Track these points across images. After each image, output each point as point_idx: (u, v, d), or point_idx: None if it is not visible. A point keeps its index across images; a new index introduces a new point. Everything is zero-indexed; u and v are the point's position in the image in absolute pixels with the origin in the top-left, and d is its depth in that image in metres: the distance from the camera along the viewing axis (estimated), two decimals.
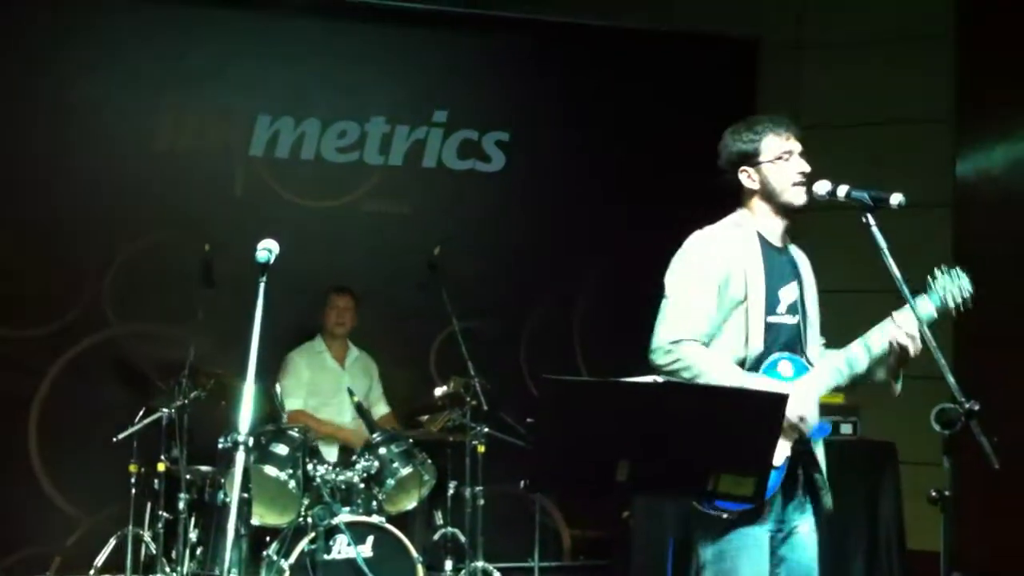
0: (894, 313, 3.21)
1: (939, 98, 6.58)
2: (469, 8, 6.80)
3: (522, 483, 3.02)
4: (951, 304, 3.29)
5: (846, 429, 5.55)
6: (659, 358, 3.21)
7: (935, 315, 3.27)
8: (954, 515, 6.18)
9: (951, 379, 3.02)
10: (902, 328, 3.19)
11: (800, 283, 3.38)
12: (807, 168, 3.30)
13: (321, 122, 6.59)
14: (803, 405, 3.19)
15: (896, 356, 3.22)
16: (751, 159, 3.32)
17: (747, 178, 3.34)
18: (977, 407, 2.98)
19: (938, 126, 6.55)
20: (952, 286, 3.30)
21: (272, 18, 6.49)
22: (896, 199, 3.16)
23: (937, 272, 3.32)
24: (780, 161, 3.29)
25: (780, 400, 2.96)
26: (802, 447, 3.26)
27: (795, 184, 3.29)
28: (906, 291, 3.12)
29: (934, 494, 3.08)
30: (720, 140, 3.40)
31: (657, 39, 6.87)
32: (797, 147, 3.32)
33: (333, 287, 6.03)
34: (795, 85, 6.76)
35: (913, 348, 3.19)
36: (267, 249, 3.43)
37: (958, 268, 3.33)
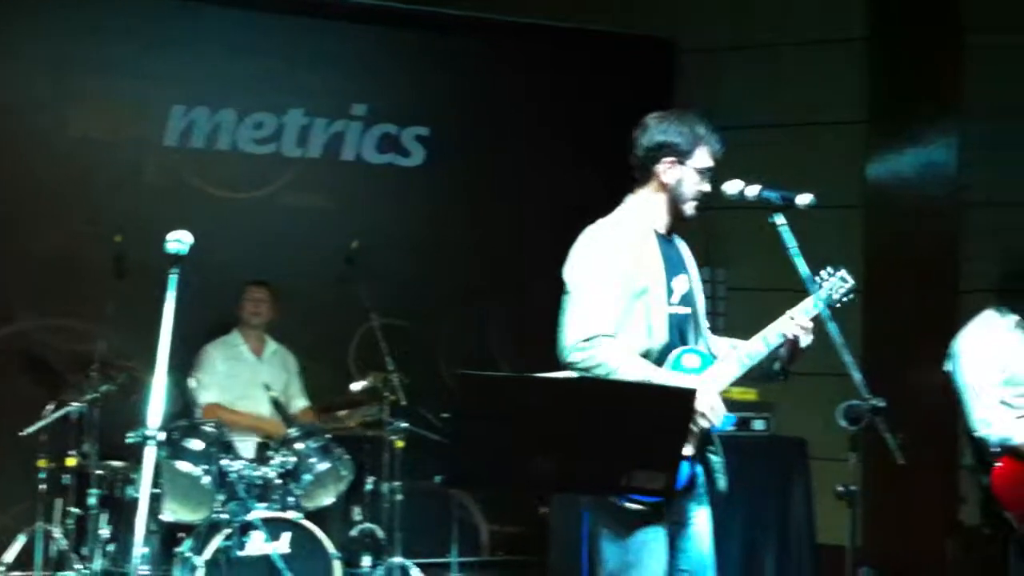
0: (789, 310, 3.29)
1: (852, 101, 6.71)
2: (389, 2, 6.76)
3: (438, 478, 3.02)
4: (836, 299, 3.37)
5: (759, 425, 5.65)
6: (572, 356, 3.21)
7: (819, 311, 3.32)
8: (864, 510, 6.36)
9: (857, 376, 3.11)
10: (795, 320, 3.26)
11: (689, 274, 3.44)
12: (730, 191, 3.36)
13: (237, 113, 6.49)
14: (712, 396, 3.24)
15: (788, 347, 3.29)
16: (681, 156, 3.33)
17: (667, 170, 3.34)
18: (883, 404, 3.06)
19: (850, 129, 6.69)
20: (835, 282, 3.38)
21: (187, 7, 6.37)
22: (804, 199, 3.24)
23: (823, 272, 3.39)
24: (699, 174, 3.34)
25: (689, 395, 3.02)
26: (703, 436, 3.31)
27: (695, 200, 3.36)
28: (814, 289, 3.22)
29: (841, 489, 3.15)
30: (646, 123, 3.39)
31: (575, 38, 6.89)
32: (713, 169, 3.38)
33: (249, 280, 5.96)
34: (711, 86, 6.84)
35: (804, 340, 3.26)
36: (178, 240, 3.37)
37: (842, 269, 3.41)
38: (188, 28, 6.37)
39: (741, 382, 3.43)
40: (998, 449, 4.30)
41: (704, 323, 3.46)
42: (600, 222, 3.37)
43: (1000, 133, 6.33)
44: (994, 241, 5.88)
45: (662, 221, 3.38)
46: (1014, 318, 4.43)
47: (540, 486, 2.94)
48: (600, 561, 3.28)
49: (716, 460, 3.36)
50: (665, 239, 3.38)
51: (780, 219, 3.26)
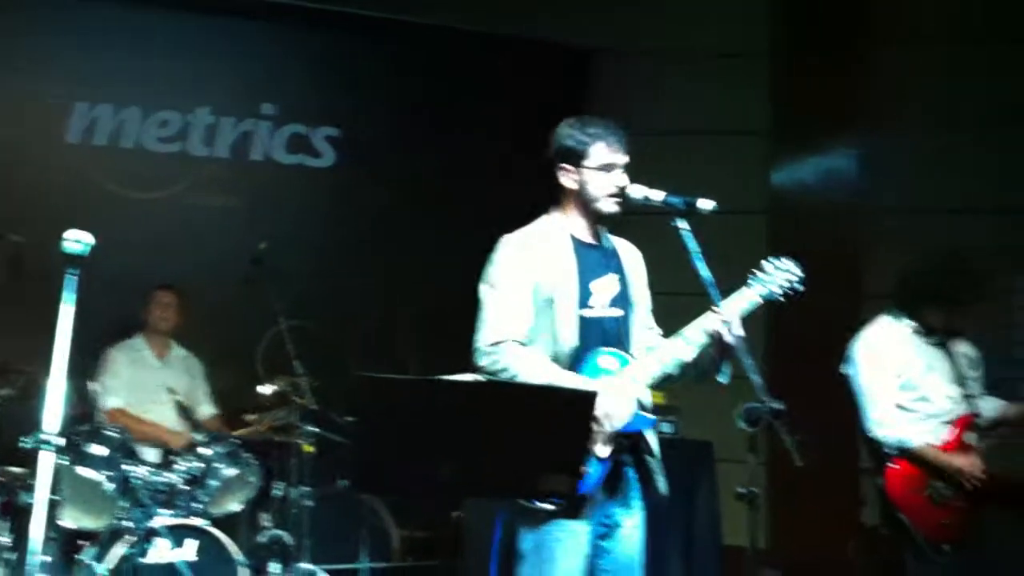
0: (714, 306, 3.33)
1: (758, 110, 6.84)
2: (300, 1, 6.68)
3: (343, 483, 3.01)
4: (777, 291, 3.42)
5: (666, 428, 5.70)
6: (480, 361, 3.28)
7: (759, 302, 3.39)
8: (769, 512, 6.49)
9: (757, 379, 3.16)
10: (717, 316, 3.29)
11: (623, 276, 3.45)
12: (625, 183, 3.37)
13: (142, 110, 6.37)
14: (614, 401, 3.26)
15: (715, 345, 3.33)
16: (576, 160, 3.38)
17: (566, 176, 3.40)
18: (781, 406, 3.11)
19: (756, 137, 6.82)
20: (781, 275, 3.42)
21: (91, 3, 6.23)
22: (706, 205, 3.29)
23: (765, 263, 3.44)
24: (602, 171, 3.37)
25: (589, 398, 3.05)
26: (628, 440, 3.34)
27: (609, 195, 3.38)
28: (715, 294, 3.26)
29: (742, 491, 3.20)
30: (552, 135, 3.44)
31: (490, 43, 6.90)
32: (622, 160, 3.40)
33: (156, 284, 5.84)
34: (622, 94, 6.91)
35: (728, 336, 3.29)
36: (77, 240, 3.29)
37: (789, 258, 3.47)
38: (91, 24, 6.23)
39: (677, 383, 3.49)
40: (894, 451, 4.41)
41: (642, 325, 3.48)
42: (516, 232, 3.42)
43: (900, 143, 6.52)
44: (894, 248, 6.05)
45: (581, 225, 3.42)
46: (910, 323, 4.55)
47: (444, 489, 2.92)
48: (516, 559, 3.32)
49: (653, 462, 3.40)
50: (585, 244, 3.41)
51: (683, 224, 3.30)
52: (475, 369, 3.30)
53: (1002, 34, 6.45)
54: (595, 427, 3.19)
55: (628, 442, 3.37)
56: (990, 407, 4.59)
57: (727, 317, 3.29)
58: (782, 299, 3.44)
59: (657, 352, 3.37)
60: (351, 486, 2.93)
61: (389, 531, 6.27)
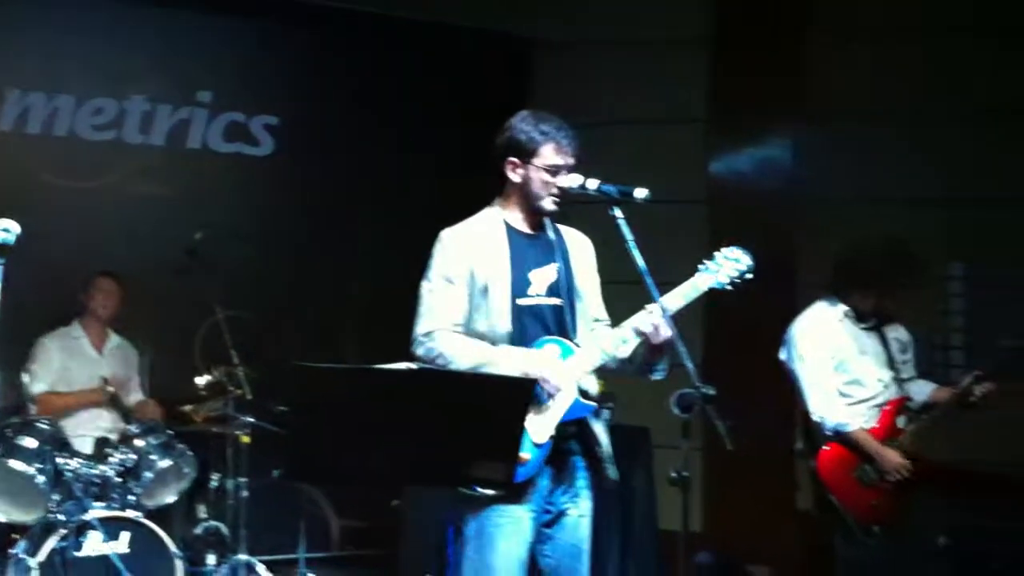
0: (648, 305, 3.35)
1: (696, 99, 6.89)
2: None
3: (276, 472, 3.00)
4: (724, 280, 3.45)
5: (604, 415, 5.74)
6: (417, 350, 3.35)
7: (703, 291, 3.43)
8: (705, 496, 6.56)
9: (690, 365, 3.18)
10: (648, 317, 3.32)
11: (567, 265, 3.47)
12: (571, 185, 3.38)
13: (76, 98, 6.27)
14: (555, 375, 3.29)
15: (645, 344, 3.36)
16: (525, 156, 3.39)
17: (511, 170, 3.42)
18: (712, 392, 3.13)
19: (695, 126, 6.87)
20: (729, 264, 3.46)
21: None
22: (641, 194, 3.31)
23: (716, 252, 3.46)
24: (547, 172, 3.38)
25: (525, 383, 3.09)
26: (572, 427, 3.38)
27: (551, 195, 3.40)
28: (650, 281, 3.27)
29: (674, 475, 3.23)
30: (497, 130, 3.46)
31: (431, 32, 6.87)
32: (570, 163, 3.41)
33: (97, 271, 5.75)
34: (564, 83, 6.92)
35: (655, 337, 3.32)
36: (5, 229, 3.25)
37: (737, 247, 3.50)
38: (24, 10, 6.10)
39: (615, 375, 3.52)
40: (830, 434, 4.48)
41: (586, 314, 3.50)
42: (456, 225, 3.45)
43: (836, 132, 6.60)
44: (829, 237, 6.13)
45: (520, 218, 3.44)
46: (843, 308, 4.62)
47: (379, 478, 2.91)
48: (460, 544, 3.36)
49: (601, 451, 3.43)
50: (523, 234, 3.43)
51: (619, 212, 3.31)
52: (413, 359, 3.33)
53: (937, 27, 6.54)
54: (539, 409, 3.23)
55: (573, 429, 3.38)
56: (921, 391, 4.67)
57: (656, 319, 3.30)
58: (729, 288, 3.45)
59: (599, 342, 3.39)
60: (284, 476, 2.93)
61: (329, 521, 6.26)
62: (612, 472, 3.45)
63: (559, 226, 3.55)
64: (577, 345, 3.42)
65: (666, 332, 3.31)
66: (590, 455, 3.45)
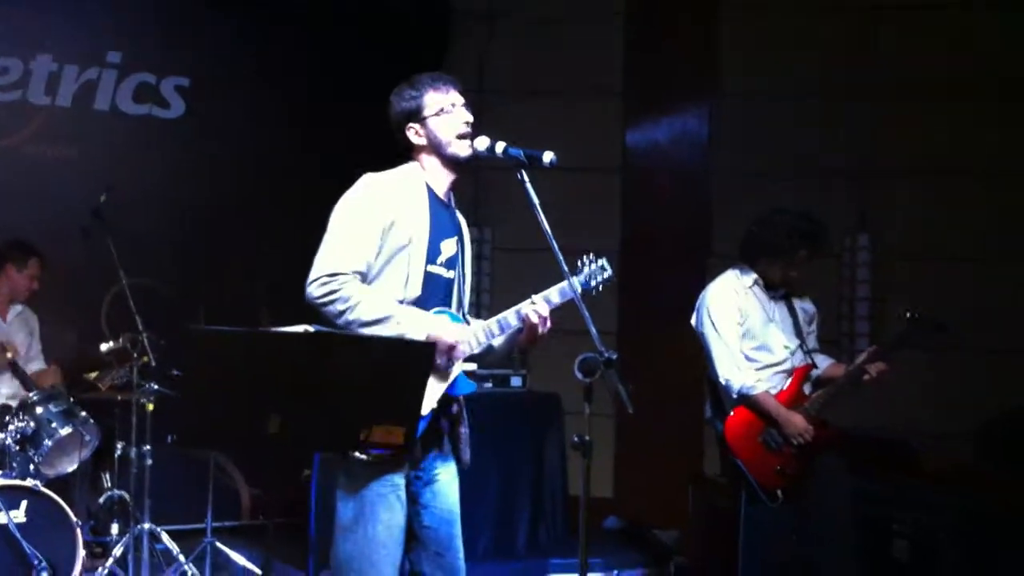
0: (534, 295, 3.33)
1: (613, 71, 6.91)
2: None
3: (170, 438, 2.93)
4: (593, 284, 3.43)
5: (516, 382, 5.76)
6: (313, 290, 3.21)
7: (578, 291, 3.38)
8: (615, 462, 6.60)
9: (593, 330, 3.17)
10: (534, 307, 3.30)
11: (461, 241, 3.47)
12: (470, 118, 3.37)
13: None
14: (456, 336, 3.27)
15: (526, 333, 3.34)
16: (415, 116, 3.38)
17: (414, 135, 3.40)
18: (615, 356, 3.13)
19: (612, 97, 6.90)
20: (595, 271, 3.44)
21: None
22: (548, 157, 3.29)
23: (584, 258, 3.46)
24: (444, 114, 3.37)
25: (427, 348, 3.05)
26: (450, 402, 3.35)
27: (460, 136, 3.36)
28: (554, 244, 3.22)
29: (576, 440, 3.22)
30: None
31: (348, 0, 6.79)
32: (459, 99, 3.40)
33: (23, 248, 5.58)
34: (483, 52, 6.90)
35: (542, 327, 3.30)
36: None
37: (602, 258, 3.47)
38: None
39: (482, 364, 3.49)
40: (736, 398, 4.54)
41: (466, 293, 3.49)
42: (377, 173, 3.37)
43: (750, 105, 6.67)
44: (741, 206, 6.19)
45: (439, 181, 3.41)
46: (753, 276, 4.68)
47: (274, 443, 2.86)
48: (334, 515, 3.30)
49: (463, 432, 3.42)
50: (440, 201, 3.40)
51: (525, 176, 3.30)
52: (310, 306, 3.23)
53: (848, 3, 6.64)
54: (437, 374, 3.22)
55: (447, 403, 3.36)
56: (822, 363, 4.75)
57: (541, 308, 3.30)
58: (593, 294, 3.46)
59: (487, 322, 3.38)
60: (177, 442, 2.87)
61: (238, 490, 6.18)
62: (466, 454, 3.44)
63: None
64: (467, 321, 3.40)
65: (546, 326, 3.32)
66: (452, 432, 3.43)
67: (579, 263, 3.43)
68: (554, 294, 3.34)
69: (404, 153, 3.46)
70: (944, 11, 6.47)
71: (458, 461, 3.44)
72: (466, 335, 3.32)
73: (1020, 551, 4.76)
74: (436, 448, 3.38)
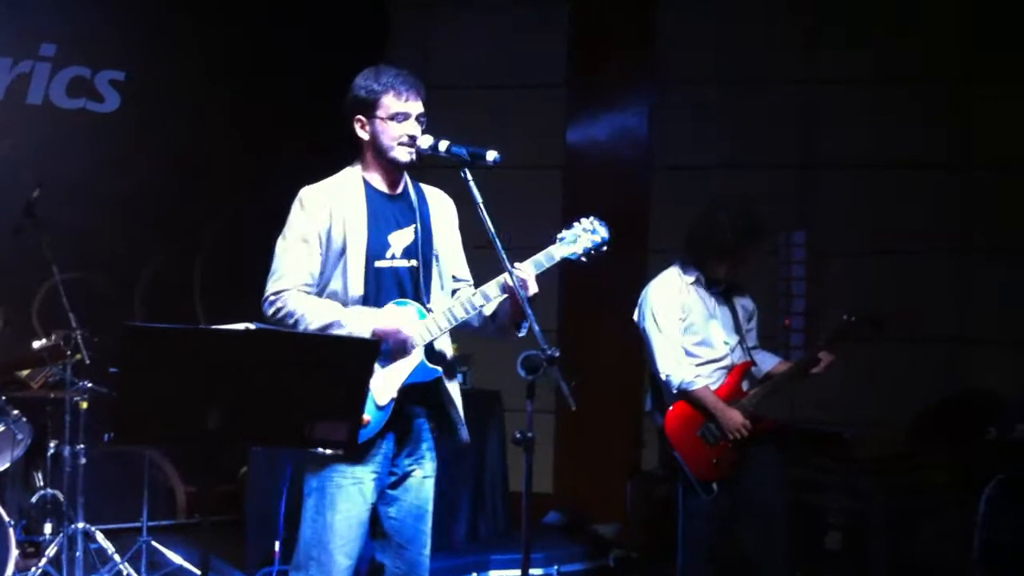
0: (517, 263, 3.33)
1: (554, 66, 6.93)
2: None
3: (107, 436, 2.90)
4: (580, 251, 3.45)
5: (458, 379, 5.74)
6: (265, 310, 3.33)
7: (557, 259, 3.43)
8: (555, 457, 6.63)
9: (536, 327, 3.20)
10: (514, 273, 3.29)
11: (425, 226, 3.44)
12: (416, 132, 3.35)
13: None
14: (401, 327, 3.28)
15: (511, 301, 3.34)
16: (367, 111, 3.37)
17: (360, 128, 3.40)
18: (557, 353, 3.15)
19: (552, 92, 6.91)
20: (586, 236, 3.46)
21: None
22: (491, 156, 3.30)
23: (576, 222, 3.47)
24: (392, 121, 3.34)
25: (370, 344, 3.06)
26: (418, 390, 3.35)
27: (401, 144, 3.35)
28: (498, 243, 3.24)
29: (518, 436, 3.25)
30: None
31: None
32: (415, 110, 3.37)
33: None
34: (423, 44, 6.88)
35: (524, 290, 3.29)
36: None
37: (595, 219, 3.49)
38: None
39: (476, 334, 3.50)
40: (676, 393, 4.58)
41: (441, 276, 3.46)
42: (314, 184, 3.40)
43: (690, 99, 6.73)
44: (680, 204, 6.25)
45: (378, 176, 3.40)
46: (696, 273, 4.73)
47: (214, 439, 2.84)
48: (301, 506, 3.34)
49: (454, 412, 3.43)
50: (382, 195, 3.39)
51: (468, 174, 3.29)
52: (263, 319, 3.33)
53: None
54: (386, 368, 3.24)
55: (418, 392, 3.36)
56: (762, 361, 4.82)
57: (524, 275, 3.30)
58: (584, 260, 3.47)
59: (451, 305, 3.37)
60: (114, 440, 2.86)
61: (174, 488, 6.11)
62: (464, 434, 3.46)
63: (421, 185, 3.52)
64: (429, 309, 3.39)
65: (533, 288, 3.32)
66: (442, 417, 3.43)
67: (564, 229, 3.43)
68: (524, 266, 3.33)
69: (348, 140, 3.43)
70: (889, 2, 6.55)
71: (449, 443, 3.46)
72: (412, 323, 3.30)
73: (945, 523, 4.89)
74: (407, 444, 3.39)
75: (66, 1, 6.29)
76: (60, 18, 6.29)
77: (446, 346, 3.48)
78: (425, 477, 3.44)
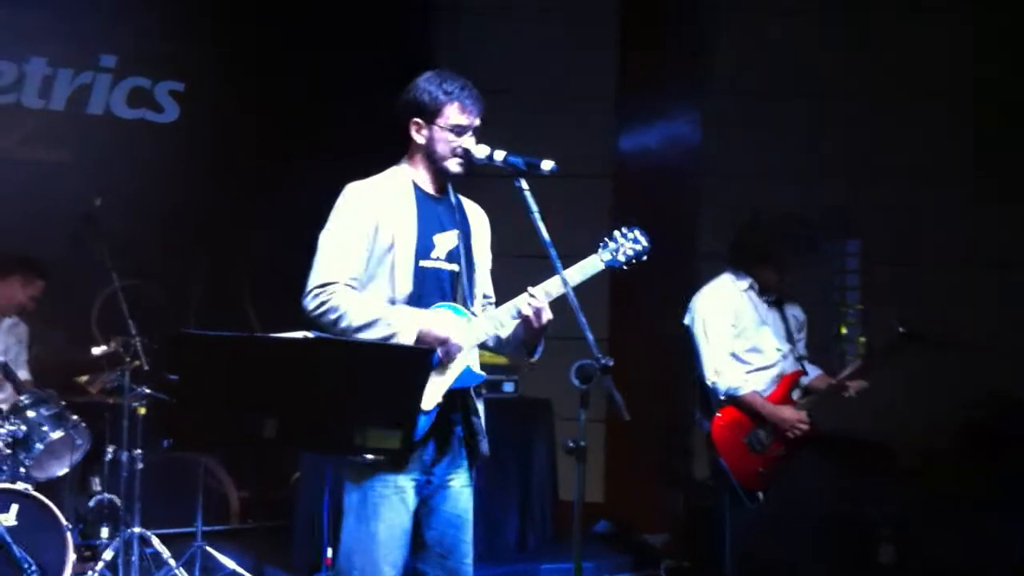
0: (530, 288, 3.32)
1: (605, 74, 6.92)
2: None
3: (165, 443, 2.95)
4: (621, 259, 3.46)
5: (508, 388, 5.79)
6: (307, 303, 3.26)
7: (602, 269, 3.43)
8: (604, 466, 6.62)
9: (590, 336, 3.18)
10: (531, 300, 3.29)
11: (465, 233, 3.45)
12: (471, 145, 3.35)
13: None
14: (450, 331, 3.27)
15: (524, 326, 3.34)
16: (426, 116, 3.35)
17: (416, 130, 3.38)
18: (611, 363, 3.13)
19: (603, 100, 6.90)
20: (628, 244, 3.47)
21: None
22: (548, 165, 3.29)
23: (616, 231, 3.48)
24: (451, 132, 3.35)
25: (425, 354, 3.06)
26: (458, 394, 3.34)
27: (455, 156, 3.36)
28: (553, 253, 3.23)
29: (570, 444, 3.23)
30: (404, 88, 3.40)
31: None
32: (475, 123, 3.38)
33: (34, 268, 5.59)
34: (469, 50, 6.90)
35: (536, 320, 3.29)
36: None
37: (637, 228, 3.50)
38: None
39: (496, 351, 3.51)
40: (723, 399, 4.56)
41: (478, 284, 3.47)
42: (361, 180, 3.39)
43: (739, 110, 6.70)
44: (731, 211, 6.22)
45: (427, 180, 3.40)
46: (747, 281, 4.71)
47: (270, 446, 2.88)
48: (342, 512, 3.32)
49: (476, 422, 3.40)
50: (429, 196, 3.40)
51: (524, 184, 3.30)
52: (306, 319, 3.26)
53: (835, 3, 6.67)
54: (437, 377, 3.22)
55: (456, 399, 3.35)
56: (811, 372, 4.79)
57: (538, 303, 3.30)
58: (625, 268, 3.47)
59: (493, 314, 3.38)
60: (173, 446, 2.89)
61: (227, 493, 6.18)
62: (484, 446, 3.42)
63: (459, 195, 3.53)
64: (473, 314, 3.40)
65: (547, 316, 3.30)
66: (467, 425, 3.42)
67: (605, 238, 3.45)
68: (569, 274, 3.32)
69: (401, 141, 3.42)
70: (942, 14, 6.48)
71: (474, 456, 3.41)
72: (461, 329, 3.31)
73: (992, 532, 4.82)
74: (448, 451, 3.37)
75: (126, 13, 6.38)
76: (120, 30, 6.39)
77: (474, 358, 3.44)
78: (463, 486, 3.42)
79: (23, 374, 5.67)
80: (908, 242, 6.55)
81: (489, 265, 3.57)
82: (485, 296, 3.54)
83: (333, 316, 3.22)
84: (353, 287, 3.28)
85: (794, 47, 6.67)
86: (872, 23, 6.61)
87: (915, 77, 6.52)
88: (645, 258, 3.51)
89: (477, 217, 3.54)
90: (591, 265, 3.42)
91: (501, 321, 3.34)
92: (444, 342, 3.26)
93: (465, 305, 3.40)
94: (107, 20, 6.35)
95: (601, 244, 3.47)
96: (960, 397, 6.02)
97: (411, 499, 3.31)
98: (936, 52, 6.49)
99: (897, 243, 6.59)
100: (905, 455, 5.50)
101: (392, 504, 3.26)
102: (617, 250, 3.46)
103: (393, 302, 3.29)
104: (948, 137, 6.47)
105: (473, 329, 3.35)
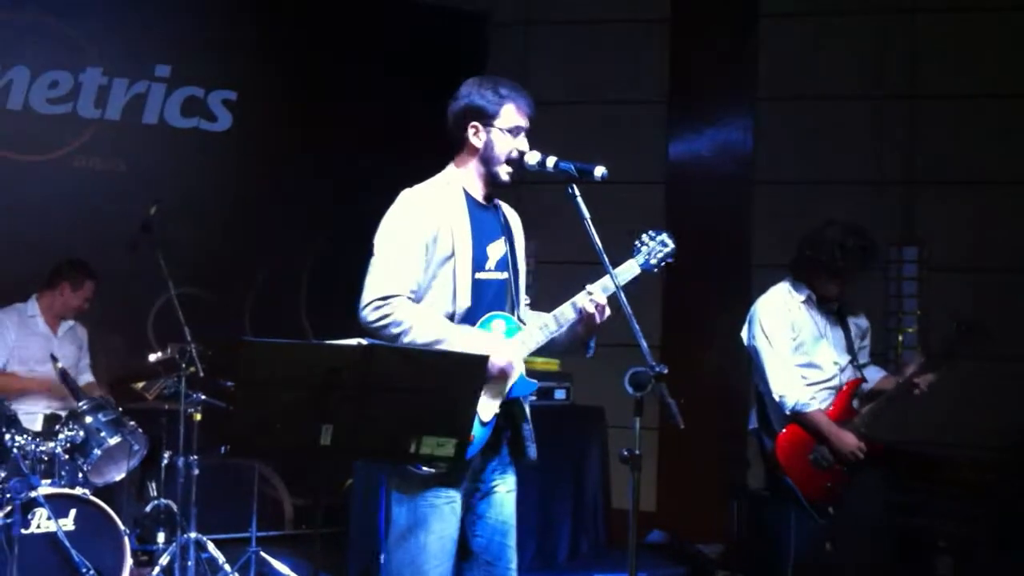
0: (588, 286, 3.32)
1: (655, 81, 6.89)
2: None
3: (223, 449, 2.96)
4: (653, 262, 3.45)
5: (559, 395, 5.77)
6: (367, 315, 3.21)
7: (638, 273, 3.42)
8: (658, 475, 6.57)
9: (643, 344, 3.15)
10: (591, 297, 3.29)
11: (509, 240, 3.44)
12: (525, 147, 3.35)
13: (30, 71, 6.17)
14: (507, 358, 3.25)
15: (584, 323, 3.33)
16: (485, 119, 3.34)
17: (473, 134, 3.36)
18: (665, 370, 3.10)
19: (654, 107, 6.88)
20: (655, 247, 3.45)
21: None
22: (599, 172, 3.27)
23: (643, 235, 3.47)
24: (509, 134, 3.34)
25: (480, 362, 3.04)
26: (508, 405, 3.32)
27: (509, 159, 3.35)
28: (605, 259, 3.23)
29: (625, 453, 3.20)
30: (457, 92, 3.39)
31: (388, 7, 6.82)
32: (526, 126, 3.38)
33: (82, 269, 5.65)
34: (522, 61, 6.91)
35: (599, 316, 3.29)
36: None
37: (663, 231, 3.48)
38: None
39: (547, 353, 3.49)
40: (788, 414, 4.50)
41: (522, 292, 3.47)
42: (413, 188, 3.37)
43: (791, 115, 6.64)
44: (783, 219, 6.16)
45: (477, 187, 3.39)
46: (807, 292, 4.65)
47: (325, 453, 2.88)
48: (390, 522, 3.30)
49: (526, 428, 3.38)
50: (481, 205, 3.38)
51: (575, 191, 3.29)
52: (361, 328, 3.23)
53: (889, 6, 6.59)
54: (486, 387, 3.18)
55: (506, 406, 3.33)
56: (872, 377, 4.71)
57: (597, 298, 3.29)
58: (655, 271, 3.45)
59: (542, 320, 3.37)
60: (230, 452, 2.91)
61: (281, 500, 6.22)
62: (532, 451, 3.40)
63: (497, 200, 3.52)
64: (522, 321, 3.39)
65: (608, 312, 3.30)
66: (514, 433, 3.40)
67: (636, 243, 3.44)
68: (609, 281, 3.29)
69: (453, 145, 3.41)
70: (995, 15, 6.37)
71: (519, 461, 3.40)
72: (515, 348, 3.30)
73: None
74: (495, 457, 3.36)
75: (180, 23, 6.48)
76: (174, 40, 6.49)
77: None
78: (508, 492, 3.40)
79: (87, 378, 5.77)
80: (968, 249, 6.44)
81: (525, 271, 3.56)
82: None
83: (395, 330, 3.18)
84: (412, 299, 3.25)
85: (846, 49, 6.60)
86: (926, 26, 6.51)
87: (971, 78, 6.40)
88: (672, 260, 3.50)
89: (516, 223, 3.53)
90: (629, 270, 3.41)
91: (559, 318, 3.33)
92: (504, 370, 3.25)
93: (513, 312, 3.39)
94: (161, 30, 6.46)
95: (634, 249, 3.44)
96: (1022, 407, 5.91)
97: (460, 508, 3.29)
98: (999, 51, 6.36)
99: (956, 250, 6.47)
100: (968, 468, 5.40)
101: (442, 514, 3.25)
102: (650, 253, 3.46)
103: (451, 315, 3.28)
104: (1009, 140, 6.34)
105: (525, 342, 3.34)
